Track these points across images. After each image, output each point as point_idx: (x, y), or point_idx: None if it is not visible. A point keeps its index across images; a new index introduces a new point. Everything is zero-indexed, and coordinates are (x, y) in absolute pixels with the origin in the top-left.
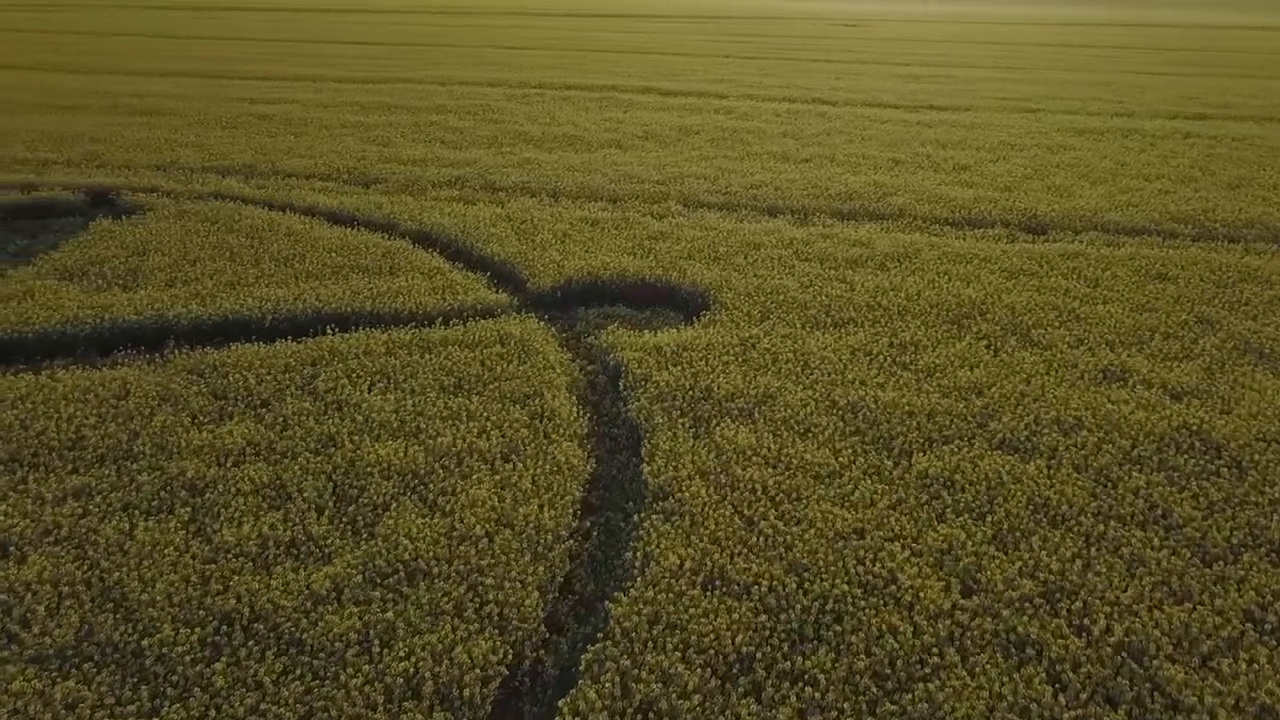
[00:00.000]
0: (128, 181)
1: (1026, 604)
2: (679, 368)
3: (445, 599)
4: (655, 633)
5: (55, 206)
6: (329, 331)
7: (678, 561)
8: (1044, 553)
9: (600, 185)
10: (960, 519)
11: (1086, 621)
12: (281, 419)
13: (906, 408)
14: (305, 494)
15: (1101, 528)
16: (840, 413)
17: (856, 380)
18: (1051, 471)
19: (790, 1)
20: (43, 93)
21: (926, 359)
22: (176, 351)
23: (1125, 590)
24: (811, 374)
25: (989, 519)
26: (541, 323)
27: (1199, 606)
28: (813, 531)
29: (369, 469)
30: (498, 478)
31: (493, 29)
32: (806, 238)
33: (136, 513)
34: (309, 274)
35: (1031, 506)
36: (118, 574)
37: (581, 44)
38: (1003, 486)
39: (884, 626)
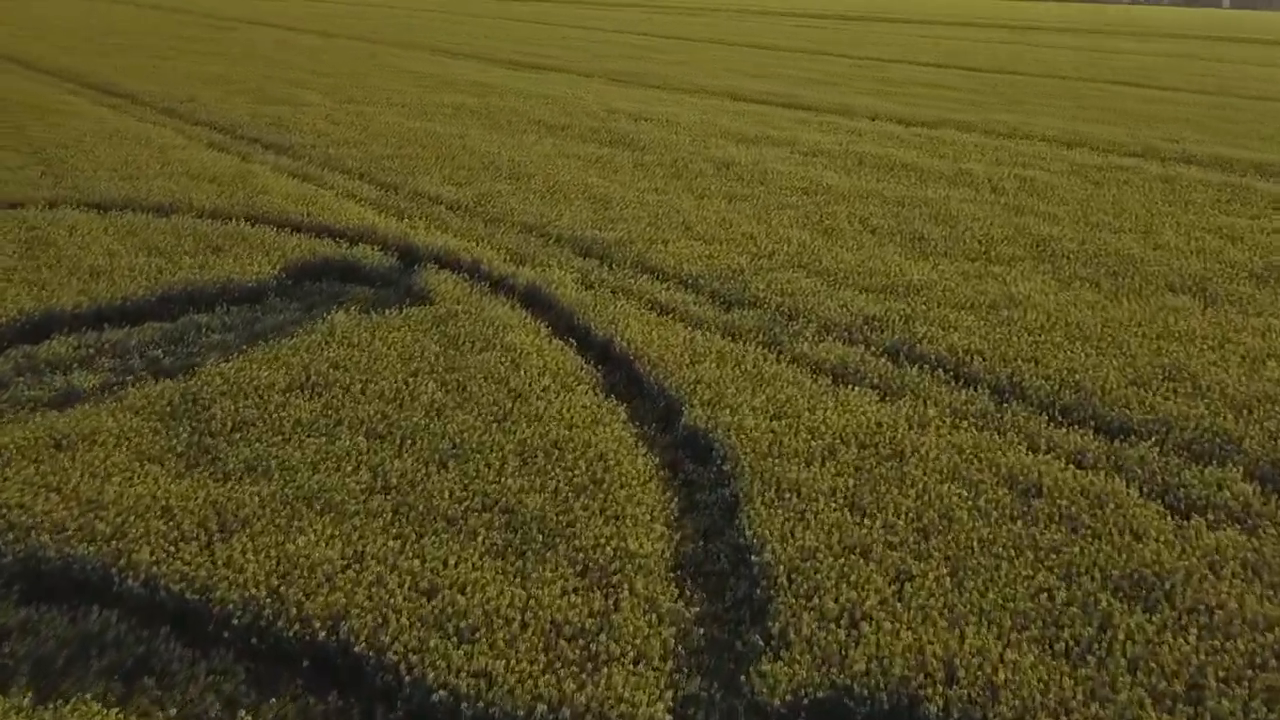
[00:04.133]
0: (455, 247)
1: None
2: None
3: None
4: None
5: (358, 270)
6: None
7: None
8: None
9: (1105, 386)
10: None
11: None
12: None
13: None
14: None
15: None
16: None
17: None
18: None
19: None
20: (558, 106)
21: None
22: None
23: None
24: None
25: None
26: None
27: None
28: None
29: None
30: None
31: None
32: None
33: None
34: (416, 516)
35: None
36: None
37: None
38: None
39: None
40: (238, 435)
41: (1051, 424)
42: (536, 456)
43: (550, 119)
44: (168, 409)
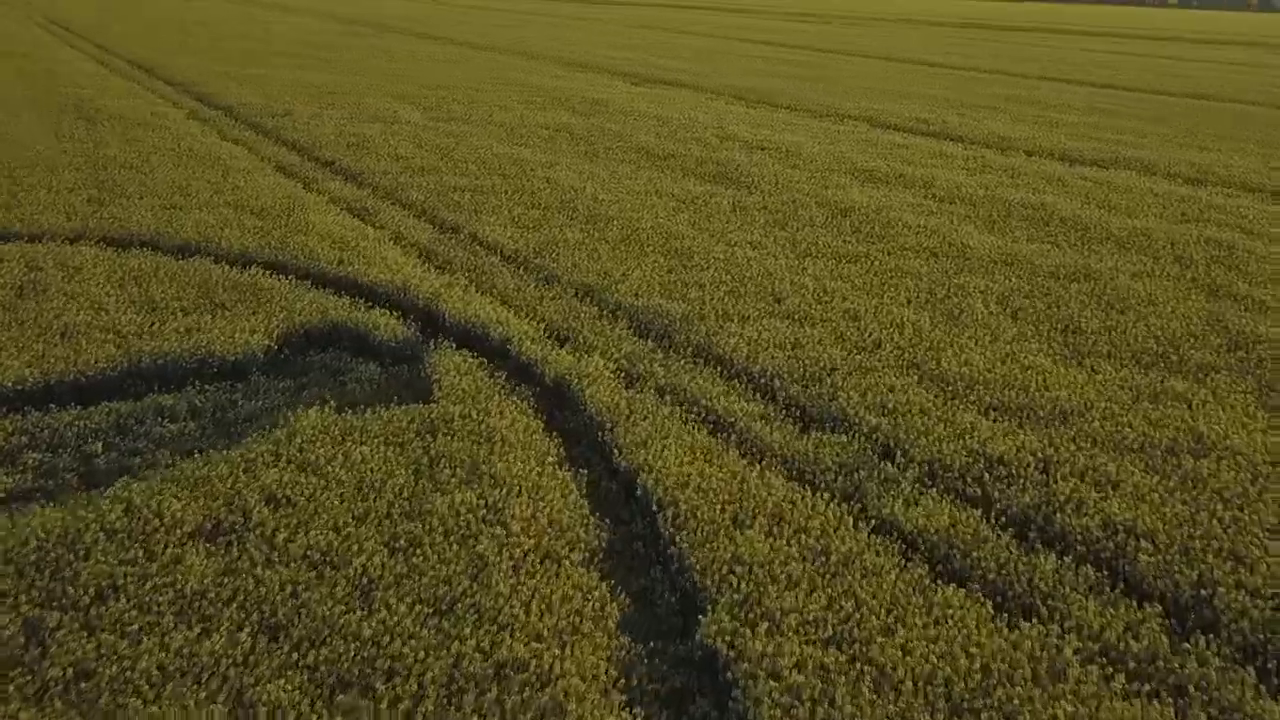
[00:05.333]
0: (488, 318)
1: None
2: None
3: None
4: None
5: (370, 342)
6: None
7: None
8: None
9: None
10: None
11: None
12: None
13: None
14: None
15: None
16: None
17: None
18: None
19: None
20: (668, 130)
21: None
22: None
23: None
24: None
25: None
26: None
27: None
28: None
29: None
30: None
31: None
32: None
33: None
34: None
35: None
36: None
37: None
38: None
39: None
40: (93, 610)
41: (1261, 688)
42: (467, 694)
43: (654, 145)
44: (33, 555)
